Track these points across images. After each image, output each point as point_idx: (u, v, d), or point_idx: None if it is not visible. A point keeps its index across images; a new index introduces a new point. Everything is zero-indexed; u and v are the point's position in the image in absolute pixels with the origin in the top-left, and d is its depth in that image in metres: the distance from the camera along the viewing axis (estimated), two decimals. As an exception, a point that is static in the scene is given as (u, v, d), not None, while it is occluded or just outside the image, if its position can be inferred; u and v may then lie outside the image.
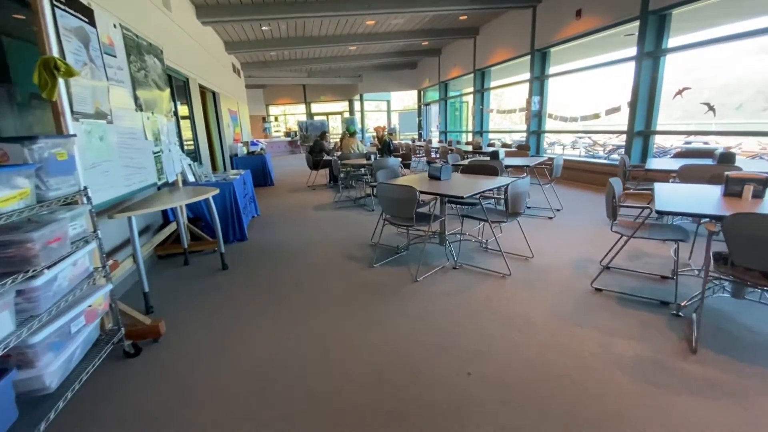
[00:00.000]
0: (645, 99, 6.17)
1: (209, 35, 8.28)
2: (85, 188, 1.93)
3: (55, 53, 1.89)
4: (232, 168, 8.63)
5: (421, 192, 3.07)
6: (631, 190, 4.47)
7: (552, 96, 8.86)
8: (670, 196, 2.58)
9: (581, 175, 7.67)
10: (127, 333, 2.25)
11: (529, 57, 8.90)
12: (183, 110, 5.90)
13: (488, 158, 5.31)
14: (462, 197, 2.92)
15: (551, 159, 5.12)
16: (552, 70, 8.67)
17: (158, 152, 3.21)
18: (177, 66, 5.35)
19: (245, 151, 9.22)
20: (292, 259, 3.83)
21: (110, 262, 2.30)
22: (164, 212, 4.22)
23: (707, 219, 2.29)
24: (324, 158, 8.33)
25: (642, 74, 6.05)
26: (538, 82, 8.80)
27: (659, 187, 2.82)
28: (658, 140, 11.21)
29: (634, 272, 3.13)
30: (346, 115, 19.72)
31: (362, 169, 6.76)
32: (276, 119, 20.43)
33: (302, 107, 19.81)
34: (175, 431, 1.69)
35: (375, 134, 11.15)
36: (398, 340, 2.31)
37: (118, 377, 2.09)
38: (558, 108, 8.67)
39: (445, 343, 2.24)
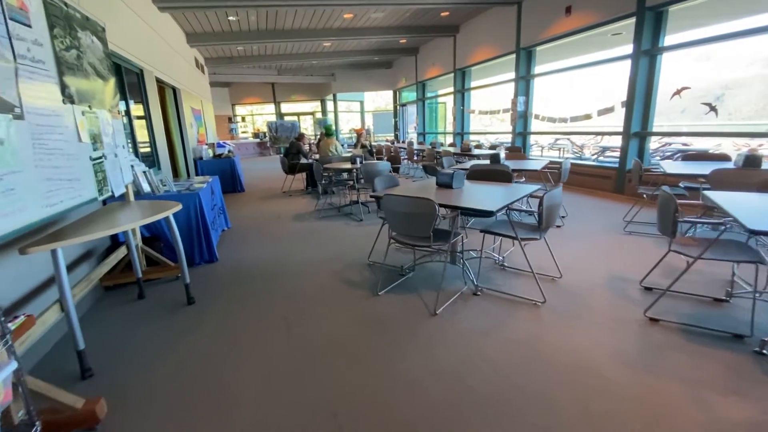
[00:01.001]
0: (641, 99, 5.93)
1: (168, 24, 7.37)
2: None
3: None
4: (197, 173, 7.74)
5: (441, 205, 2.51)
6: (645, 196, 4.13)
7: (539, 96, 8.59)
8: (749, 210, 2.15)
9: (570, 177, 7.40)
10: (46, 425, 1.54)
11: (513, 56, 8.60)
12: (138, 109, 5.05)
13: (488, 161, 4.85)
14: (492, 212, 2.39)
15: (559, 162, 4.72)
16: (537, 69, 8.40)
17: (99, 159, 2.46)
18: (128, 54, 4.52)
19: (211, 154, 8.33)
20: (275, 286, 3.16)
21: (19, 321, 1.57)
22: (112, 231, 3.42)
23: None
24: (301, 161, 7.62)
25: (639, 73, 5.81)
26: (524, 82, 8.50)
27: (722, 198, 2.40)
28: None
29: (681, 293, 2.72)
30: (319, 115, 18.94)
31: (345, 174, 6.13)
32: (243, 119, 19.31)
33: (271, 107, 18.82)
34: None
35: (356, 136, 10.53)
36: (434, 412, 1.73)
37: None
38: (545, 109, 8.41)
39: (500, 417, 1.69)
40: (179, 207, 2.66)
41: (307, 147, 7.83)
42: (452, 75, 11.27)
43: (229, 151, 8.47)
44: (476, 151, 7.38)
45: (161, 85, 6.67)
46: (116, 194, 2.67)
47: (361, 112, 18.98)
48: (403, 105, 16.14)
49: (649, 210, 4.83)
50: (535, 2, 7.69)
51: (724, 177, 3.31)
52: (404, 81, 14.86)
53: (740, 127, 12.95)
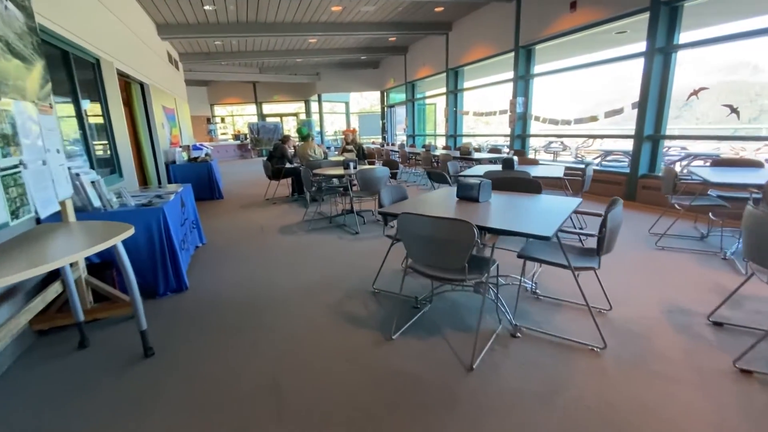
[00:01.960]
0: (655, 100, 5.54)
1: (135, 12, 6.60)
2: None
3: None
4: (169, 179, 6.97)
5: (481, 228, 1.94)
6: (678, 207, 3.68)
7: (539, 97, 8.17)
8: None
9: (573, 183, 6.98)
10: None
11: (509, 55, 8.17)
12: (97, 106, 4.31)
13: (489, 166, 4.34)
14: (548, 237, 1.83)
15: (578, 168, 4.23)
16: (536, 69, 7.99)
17: (14, 168, 1.79)
18: (81, 39, 3.79)
19: (186, 158, 7.56)
20: (259, 325, 2.52)
21: None
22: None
23: None
24: (286, 166, 6.95)
25: (653, 72, 5.41)
26: (523, 82, 8.07)
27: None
28: (625, 144, 11.07)
29: (757, 330, 2.22)
30: (303, 116, 18.20)
31: (335, 180, 5.50)
32: (223, 120, 18.40)
33: (253, 107, 17.99)
34: None
35: (344, 139, 9.91)
36: None
37: None
38: (546, 110, 7.99)
39: None
40: (130, 232, 1.99)
41: (292, 150, 7.15)
42: (444, 75, 10.79)
43: (206, 154, 7.72)
44: (477, 155, 6.87)
45: (126, 80, 5.91)
46: (42, 216, 1.99)
47: (346, 113, 18.35)
48: (391, 106, 15.61)
49: (683, 222, 4.39)
50: (536, -3, 7.27)
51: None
52: (392, 81, 14.32)
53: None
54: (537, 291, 2.79)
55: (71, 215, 2.38)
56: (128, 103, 6.28)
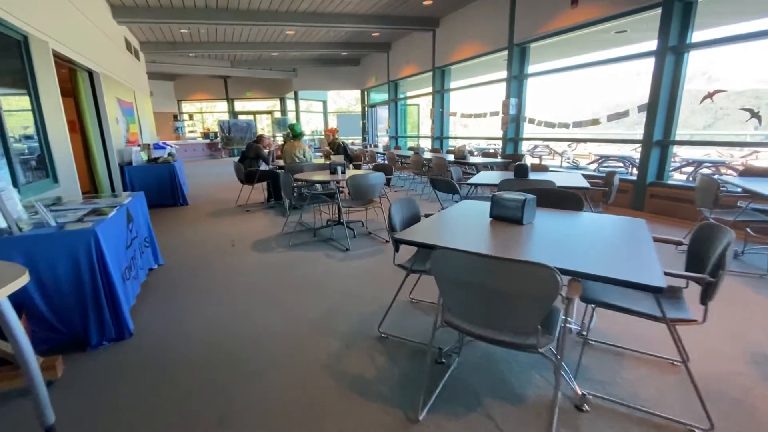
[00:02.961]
0: (665, 103, 5.18)
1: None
2: None
3: None
4: (124, 183, 6.05)
5: (565, 273, 1.33)
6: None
7: (533, 99, 7.76)
8: None
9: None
10: None
11: (502, 53, 7.72)
12: (22, 96, 3.44)
13: (491, 171, 3.80)
14: (660, 287, 1.25)
15: (597, 177, 3.74)
16: (530, 69, 7.57)
17: None
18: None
19: (144, 158, 6.64)
20: (231, 399, 1.82)
21: None
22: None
23: None
24: (261, 168, 6.18)
25: (664, 73, 5.04)
26: (517, 82, 7.63)
27: None
28: (611, 150, 10.89)
29: None
30: (278, 114, 17.26)
31: (318, 186, 4.80)
32: (191, 117, 17.18)
33: (224, 104, 16.89)
34: None
35: (325, 138, 9.19)
36: None
37: None
38: (538, 112, 7.58)
39: None
40: (24, 280, 1.27)
41: (267, 151, 6.38)
42: (430, 74, 10.26)
43: (169, 154, 6.82)
44: (474, 160, 6.34)
45: (70, 66, 4.99)
46: None
47: (323, 112, 17.54)
48: (373, 106, 14.98)
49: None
50: (534, -8, 6.83)
51: None
52: (374, 80, 13.69)
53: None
54: (587, 337, 2.23)
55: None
56: (74, 93, 5.36)
